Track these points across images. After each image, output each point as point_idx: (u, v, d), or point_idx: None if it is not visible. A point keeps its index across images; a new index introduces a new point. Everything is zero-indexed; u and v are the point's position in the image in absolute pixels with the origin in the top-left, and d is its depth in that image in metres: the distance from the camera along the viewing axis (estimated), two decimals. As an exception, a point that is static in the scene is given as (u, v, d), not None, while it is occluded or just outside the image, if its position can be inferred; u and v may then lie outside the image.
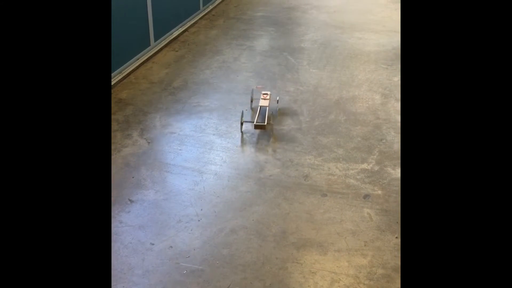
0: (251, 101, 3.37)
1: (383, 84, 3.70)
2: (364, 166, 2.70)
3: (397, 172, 2.64)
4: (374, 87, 3.66)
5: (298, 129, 3.06)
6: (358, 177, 2.61)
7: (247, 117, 3.17)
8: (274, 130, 3.04)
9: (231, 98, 3.46)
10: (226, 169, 2.66)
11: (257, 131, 3.03)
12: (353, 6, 5.74)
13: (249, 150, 2.84)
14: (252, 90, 3.44)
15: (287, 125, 3.11)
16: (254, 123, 2.99)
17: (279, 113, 3.24)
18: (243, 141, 2.93)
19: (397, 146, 2.89)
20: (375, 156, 2.79)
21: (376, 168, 2.68)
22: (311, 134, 3.01)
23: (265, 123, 2.97)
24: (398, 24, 5.09)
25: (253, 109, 3.31)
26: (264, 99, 3.21)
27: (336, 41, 4.60)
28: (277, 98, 3.35)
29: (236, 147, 2.87)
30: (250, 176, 2.60)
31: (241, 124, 3.01)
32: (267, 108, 3.15)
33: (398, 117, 3.22)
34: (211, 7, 5.55)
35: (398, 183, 2.56)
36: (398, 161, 2.74)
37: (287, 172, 2.64)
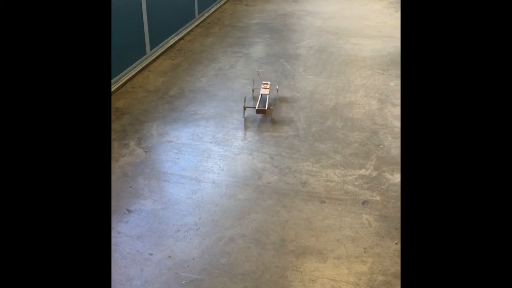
0: (253, 91, 3.65)
1: (380, 90, 3.71)
2: (362, 172, 2.70)
3: (395, 178, 2.64)
4: (370, 92, 3.67)
5: (296, 136, 3.06)
6: (356, 183, 2.60)
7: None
8: (270, 137, 3.04)
9: (227, 106, 3.46)
10: (224, 177, 2.65)
11: (255, 135, 3.03)
12: (347, 12, 5.76)
13: (247, 157, 2.84)
14: (253, 80, 3.71)
15: (284, 131, 3.11)
16: (256, 107, 3.25)
17: (275, 120, 3.25)
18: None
19: (394, 151, 2.89)
20: (373, 162, 2.79)
21: (374, 173, 2.68)
22: (309, 141, 3.00)
23: (266, 108, 3.23)
24: (393, 29, 5.12)
25: (254, 98, 3.56)
26: (265, 88, 3.51)
27: (332, 47, 4.61)
28: (277, 87, 3.61)
29: (234, 154, 2.86)
30: (248, 184, 2.59)
31: (244, 109, 3.28)
32: (267, 95, 3.43)
33: (395, 122, 3.22)
34: (206, 15, 5.57)
35: (396, 188, 2.55)
36: (396, 167, 2.74)
37: (285, 179, 2.63)
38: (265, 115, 3.28)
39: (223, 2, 6.12)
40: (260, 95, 3.42)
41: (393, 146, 2.95)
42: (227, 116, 3.31)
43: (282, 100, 3.53)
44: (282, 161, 2.79)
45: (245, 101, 3.30)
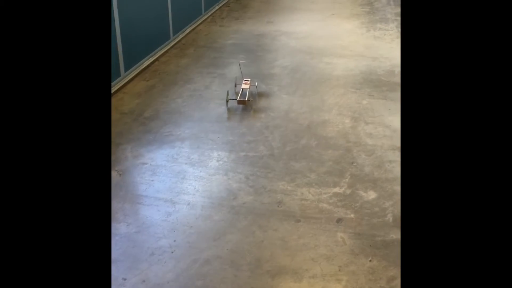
0: (235, 86, 4.09)
1: (352, 108, 3.77)
2: (336, 190, 2.73)
3: (368, 195, 2.67)
4: (343, 111, 3.73)
5: (270, 155, 3.08)
6: (330, 201, 2.63)
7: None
8: (245, 157, 3.05)
9: (203, 127, 3.47)
10: (199, 198, 2.64)
11: (230, 155, 3.04)
12: (321, 32, 5.87)
13: (222, 178, 2.84)
14: (236, 77, 4.20)
15: (260, 151, 3.13)
16: (238, 99, 3.74)
17: (250, 140, 3.27)
18: (217, 167, 2.93)
19: (367, 168, 2.93)
20: (346, 180, 2.82)
21: (348, 191, 2.71)
22: (283, 160, 3.03)
23: (246, 100, 3.73)
24: (365, 48, 5.23)
25: (236, 93, 3.95)
26: (246, 84, 3.95)
27: (306, 67, 4.68)
28: (256, 84, 4.07)
29: (209, 175, 2.86)
30: (224, 204, 2.59)
31: (227, 101, 3.74)
32: (248, 90, 3.88)
33: (368, 140, 3.27)
34: (181, 36, 5.60)
35: (370, 205, 2.58)
36: (369, 184, 2.77)
37: (260, 199, 2.64)
38: (245, 105, 3.77)
39: (198, 23, 6.18)
40: (241, 89, 3.87)
41: (366, 163, 2.99)
42: (202, 137, 3.32)
43: (257, 120, 3.56)
44: (257, 181, 2.80)
45: (228, 94, 3.75)
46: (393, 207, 2.57)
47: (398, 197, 2.65)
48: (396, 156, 3.06)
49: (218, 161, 3.02)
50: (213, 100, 3.91)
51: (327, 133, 3.37)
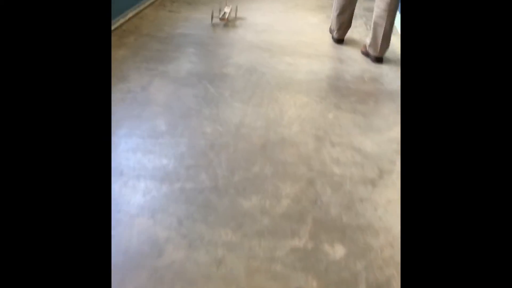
0: (219, 10, 5.19)
1: (316, 123, 3.17)
2: (295, 242, 2.12)
3: (335, 251, 2.08)
4: (306, 126, 3.12)
5: (213, 188, 2.43)
6: (287, 260, 2.01)
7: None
8: (181, 191, 2.38)
9: (131, 143, 2.76)
10: (112, 253, 1.96)
11: (161, 188, 2.37)
12: (282, 26, 5.22)
13: (146, 222, 2.17)
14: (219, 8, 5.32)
15: (200, 182, 2.47)
16: (220, 17, 4.99)
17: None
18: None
19: (334, 210, 2.34)
20: (308, 227, 2.21)
21: (310, 245, 2.10)
22: (229, 195, 2.38)
23: (226, 18, 5.00)
24: (331, 47, 4.63)
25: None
26: (227, 8, 5.22)
27: (264, 67, 4.03)
28: (236, 7, 5.47)
29: (130, 217, 2.18)
30: (144, 265, 1.93)
31: (212, 18, 5.03)
32: (229, 13, 5.12)
33: (335, 168, 2.68)
34: (122, 20, 4.81)
35: (337, 268, 1.99)
36: (336, 234, 2.18)
37: (194, 256, 1.99)
38: (225, 22, 5.04)
39: (144, 6, 5.38)
40: (224, 12, 5.13)
41: (333, 202, 2.40)
42: (129, 159, 2.62)
43: (200, 137, 2.89)
44: (193, 228, 2.15)
45: (212, 13, 5.09)
46: (366, 270, 1.98)
47: (372, 254, 2.07)
48: (369, 193, 2.49)
49: (144, 195, 2.34)
50: (150, 106, 3.21)
51: (285, 157, 2.75)
